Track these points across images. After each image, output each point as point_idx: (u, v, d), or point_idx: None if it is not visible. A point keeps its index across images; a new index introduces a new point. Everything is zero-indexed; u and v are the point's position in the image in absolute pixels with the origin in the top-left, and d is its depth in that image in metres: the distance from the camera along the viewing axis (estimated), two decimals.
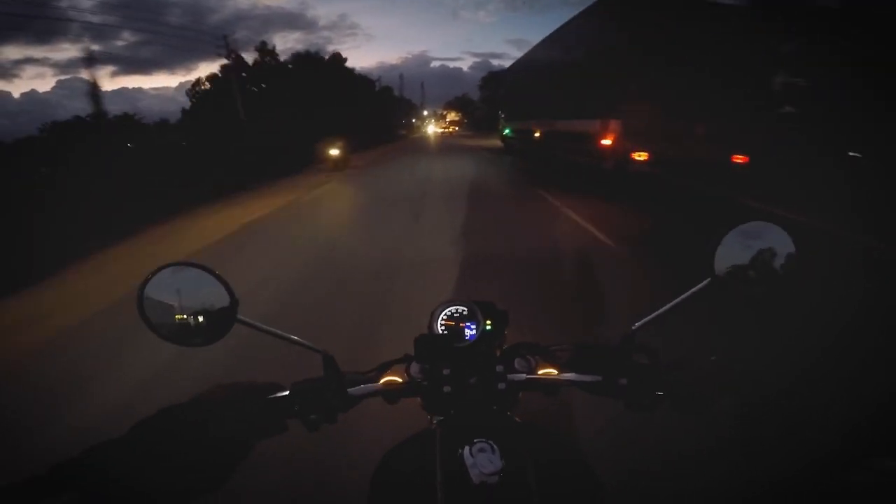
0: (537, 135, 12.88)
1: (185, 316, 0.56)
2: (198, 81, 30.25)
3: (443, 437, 0.55)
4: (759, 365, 0.54)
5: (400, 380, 0.64)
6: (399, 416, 0.72)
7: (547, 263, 4.20)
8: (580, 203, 6.85)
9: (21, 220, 6.49)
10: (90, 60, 17.32)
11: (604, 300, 3.30)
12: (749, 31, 6.81)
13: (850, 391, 0.46)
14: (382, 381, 0.64)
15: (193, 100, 29.62)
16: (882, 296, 2.90)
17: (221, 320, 0.56)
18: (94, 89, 17.14)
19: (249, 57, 28.19)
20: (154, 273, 0.55)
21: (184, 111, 29.39)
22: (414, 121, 75.80)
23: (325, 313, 3.23)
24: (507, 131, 18.72)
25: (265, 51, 29.08)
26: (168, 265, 0.55)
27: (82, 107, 19.41)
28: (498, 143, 22.02)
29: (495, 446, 0.51)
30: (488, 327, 0.70)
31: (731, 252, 0.57)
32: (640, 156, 7.40)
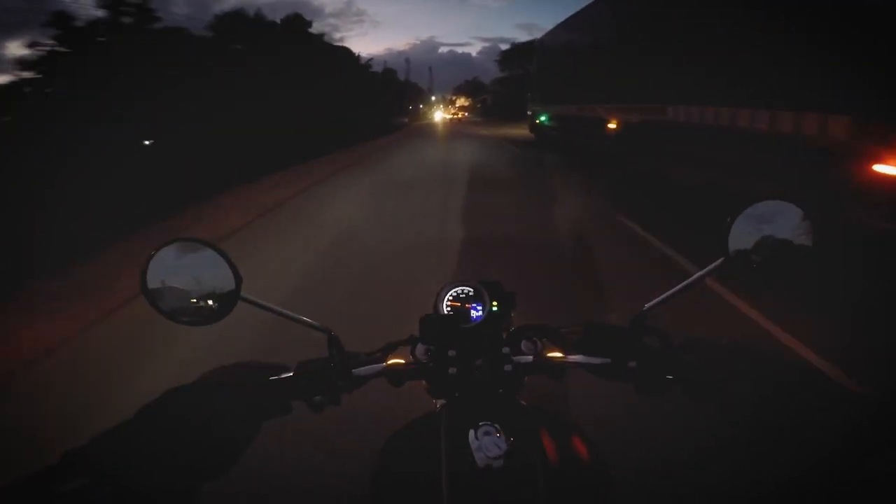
0: (613, 125, 8.11)
1: (188, 293, 0.55)
2: None
3: (448, 419, 0.55)
4: (773, 349, 0.54)
5: (404, 361, 0.63)
6: (403, 398, 0.72)
7: None
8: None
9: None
10: None
11: None
12: None
13: (852, 388, 0.46)
14: (387, 362, 0.63)
15: None
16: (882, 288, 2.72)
17: (225, 298, 0.55)
18: None
19: None
20: (158, 249, 0.54)
21: None
22: (421, 106, 70.17)
23: None
24: (542, 118, 13.96)
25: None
26: (172, 241, 0.55)
27: None
28: (523, 132, 18.11)
29: (501, 429, 0.50)
30: (494, 308, 0.68)
31: (746, 231, 0.56)
32: None
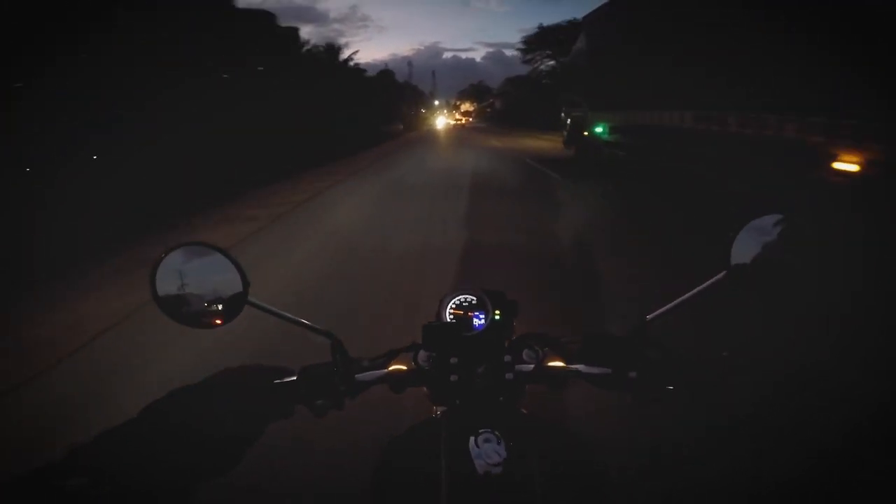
0: (849, 164, 3.36)
1: (196, 297, 0.55)
2: None
3: (449, 426, 0.55)
4: (772, 361, 0.53)
5: (406, 368, 0.63)
6: (404, 405, 0.72)
7: None
8: None
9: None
10: None
11: None
12: None
13: (852, 389, 0.46)
14: (389, 368, 0.63)
15: None
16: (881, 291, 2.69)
17: (232, 302, 0.56)
18: None
19: None
20: (167, 253, 0.54)
21: None
22: (423, 111, 65.43)
23: None
24: (597, 129, 9.12)
25: None
26: (181, 245, 0.55)
27: None
28: (548, 144, 14.64)
29: (501, 437, 0.51)
30: (497, 317, 0.69)
31: (748, 244, 0.56)
32: None
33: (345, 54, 25.42)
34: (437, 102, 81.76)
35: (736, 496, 1.30)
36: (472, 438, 0.51)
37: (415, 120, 49.08)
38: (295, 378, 0.58)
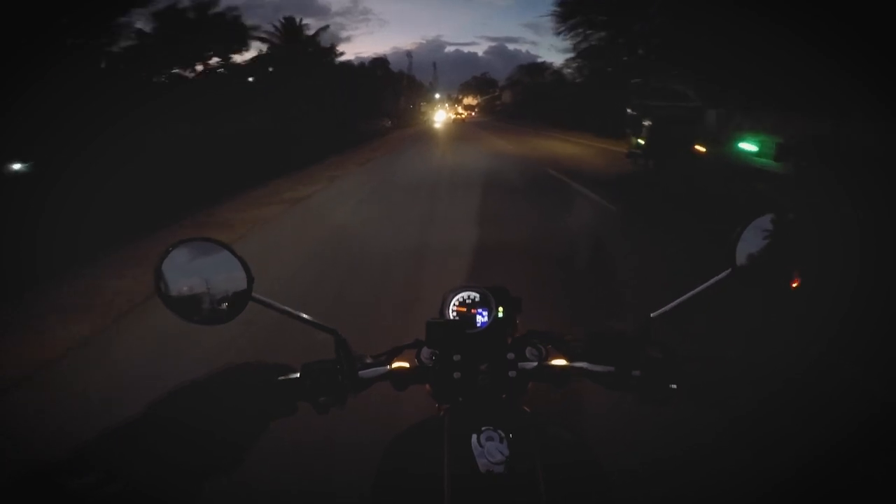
0: None
1: (200, 292, 0.55)
2: None
3: (451, 423, 0.55)
4: (775, 359, 0.54)
5: (409, 365, 0.63)
6: (407, 402, 0.72)
7: None
8: None
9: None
10: None
11: None
12: None
13: (852, 389, 0.48)
14: (392, 365, 0.63)
15: None
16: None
17: (237, 298, 0.56)
18: None
19: None
20: (171, 248, 0.54)
21: None
22: (423, 104, 60.23)
23: None
24: (748, 145, 4.26)
25: None
26: (185, 241, 0.55)
27: None
28: (582, 151, 11.17)
29: (503, 435, 0.51)
30: (500, 314, 0.68)
31: (753, 243, 0.56)
32: None
33: (338, 46, 20.47)
34: (437, 95, 76.69)
35: (738, 496, 1.30)
36: (474, 436, 0.51)
37: (411, 114, 43.48)
38: (298, 375, 0.58)
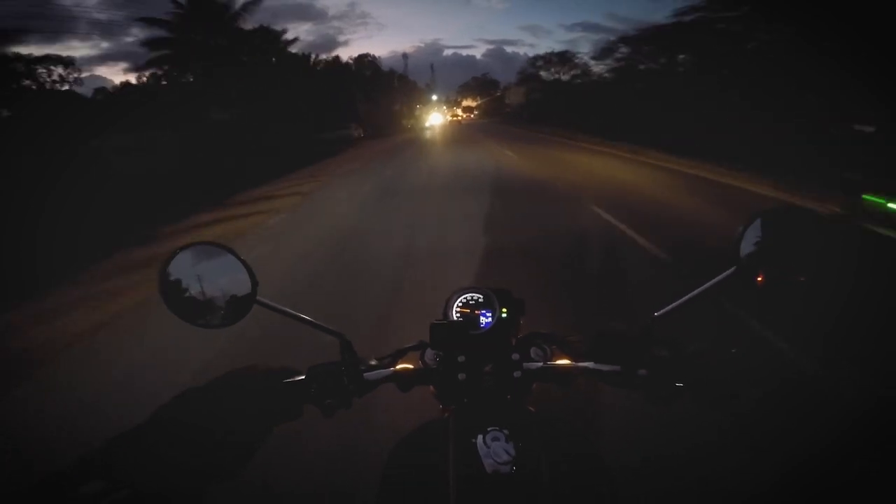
0: None
1: (205, 296, 0.55)
2: None
3: (456, 424, 0.55)
4: (777, 358, 0.52)
5: (413, 366, 0.63)
6: (412, 404, 0.71)
7: None
8: None
9: None
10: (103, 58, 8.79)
11: None
12: None
13: (852, 388, 0.47)
14: (397, 367, 0.63)
15: None
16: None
17: (241, 301, 0.56)
18: None
19: None
20: (175, 253, 0.54)
21: None
22: (418, 107, 55.00)
23: None
24: None
25: None
26: (189, 245, 0.55)
27: None
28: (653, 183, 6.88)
29: (509, 435, 0.51)
30: (504, 315, 0.68)
31: (757, 240, 0.55)
32: None
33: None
34: (435, 97, 71.62)
35: (741, 492, 1.28)
36: (479, 437, 0.50)
37: (395, 119, 33.87)
38: (303, 378, 0.58)
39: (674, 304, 0.58)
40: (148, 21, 14.60)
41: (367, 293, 3.27)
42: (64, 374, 2.62)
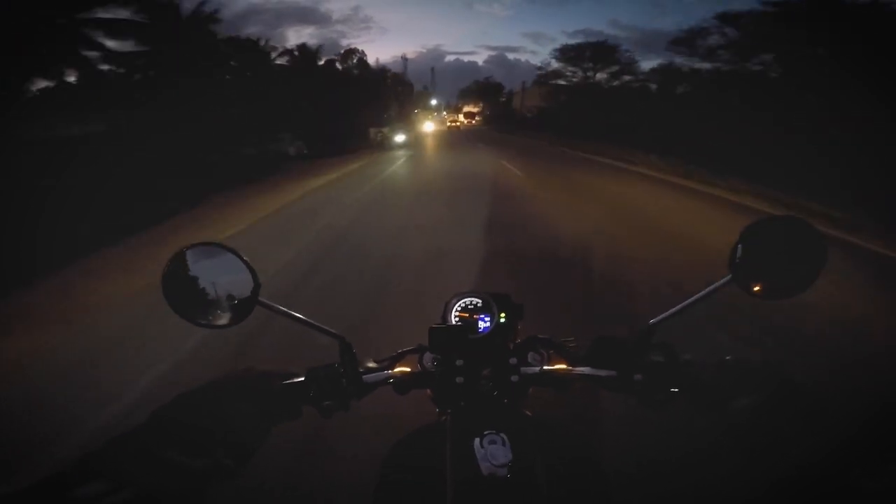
0: None
1: (207, 296, 0.55)
2: None
3: (454, 427, 0.55)
4: (775, 364, 0.53)
5: (412, 370, 0.64)
6: (409, 407, 0.72)
7: None
8: None
9: None
10: None
11: None
12: None
13: (853, 391, 0.48)
14: (395, 370, 0.64)
15: None
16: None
17: (243, 302, 0.56)
18: None
19: None
20: (178, 254, 0.54)
21: None
22: (417, 112, 50.91)
23: None
24: None
25: None
26: (192, 246, 0.55)
27: None
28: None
29: (506, 439, 0.51)
30: (502, 320, 0.68)
31: (753, 247, 0.55)
32: None
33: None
34: (434, 102, 67.60)
35: (736, 497, 1.29)
36: (476, 440, 0.51)
37: (381, 129, 21.07)
38: (303, 379, 0.58)
39: (670, 311, 0.58)
40: None
41: None
42: None
